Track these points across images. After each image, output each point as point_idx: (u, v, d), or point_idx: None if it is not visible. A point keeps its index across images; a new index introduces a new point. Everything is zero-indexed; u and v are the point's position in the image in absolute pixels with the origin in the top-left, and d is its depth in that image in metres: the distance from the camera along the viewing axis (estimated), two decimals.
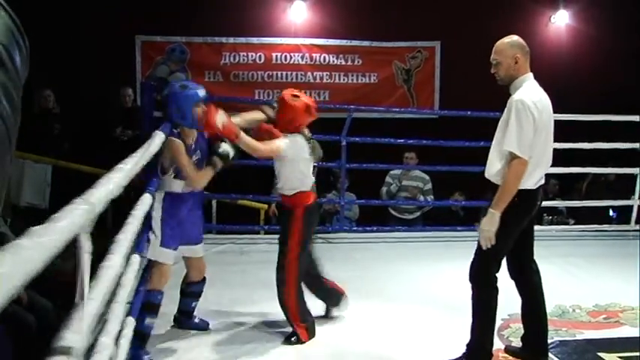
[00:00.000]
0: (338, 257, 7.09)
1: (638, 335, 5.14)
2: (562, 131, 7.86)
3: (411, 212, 8.56)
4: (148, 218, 4.34)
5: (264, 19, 10.40)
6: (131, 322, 3.79)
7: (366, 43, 10.59)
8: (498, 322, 5.25)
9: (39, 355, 1.85)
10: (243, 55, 10.43)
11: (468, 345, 4.49)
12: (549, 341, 4.91)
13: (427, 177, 8.57)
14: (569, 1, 10.98)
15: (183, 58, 10.28)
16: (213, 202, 8.35)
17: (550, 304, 5.61)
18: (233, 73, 10.34)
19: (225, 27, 10.21)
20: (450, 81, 10.60)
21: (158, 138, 4.07)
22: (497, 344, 4.95)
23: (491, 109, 7.99)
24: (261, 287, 5.60)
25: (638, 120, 7.91)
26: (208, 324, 5.00)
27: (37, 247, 1.33)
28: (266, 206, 8.56)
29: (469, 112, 7.92)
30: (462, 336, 4.50)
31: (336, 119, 8.17)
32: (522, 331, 4.95)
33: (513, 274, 4.62)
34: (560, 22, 11.05)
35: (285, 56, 10.47)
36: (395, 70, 10.72)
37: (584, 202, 8.64)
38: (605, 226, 8.45)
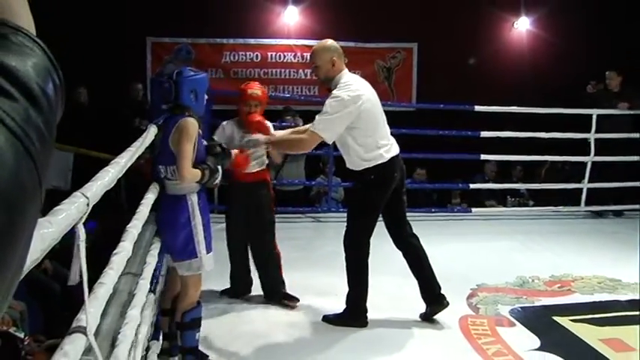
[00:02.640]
0: (328, 234, 7.16)
1: (587, 301, 5.27)
2: (523, 123, 8.00)
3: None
4: (178, 228, 3.65)
5: (260, 22, 10.41)
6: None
7: (351, 44, 10.55)
8: (467, 292, 5.35)
9: (64, 318, 1.86)
10: (242, 55, 10.44)
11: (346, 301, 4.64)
12: (511, 308, 5.01)
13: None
14: (530, 9, 11.01)
15: (189, 57, 10.26)
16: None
17: (512, 276, 5.72)
18: (233, 71, 10.33)
19: (226, 29, 10.21)
20: (425, 78, 10.62)
21: (152, 130, 3.55)
22: (466, 310, 5.03)
23: (462, 101, 8.11)
24: None
25: (589, 114, 7.99)
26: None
27: (38, 239, 1.37)
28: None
29: (442, 105, 7.98)
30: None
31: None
32: (489, 299, 5.04)
33: (396, 243, 4.76)
34: (522, 27, 11.10)
35: (280, 55, 10.48)
36: (377, 69, 10.74)
37: (542, 185, 8.70)
38: (560, 207, 8.54)
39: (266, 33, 10.46)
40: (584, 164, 8.28)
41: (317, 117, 4.32)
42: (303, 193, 8.54)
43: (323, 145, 8.00)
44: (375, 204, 4.54)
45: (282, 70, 10.52)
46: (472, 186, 8.33)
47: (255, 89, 4.85)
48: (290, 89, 10.43)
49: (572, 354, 4.32)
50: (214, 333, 4.39)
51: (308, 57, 10.25)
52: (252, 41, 10.43)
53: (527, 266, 5.93)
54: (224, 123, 4.96)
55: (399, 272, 5.15)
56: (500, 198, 9.25)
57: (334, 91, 4.32)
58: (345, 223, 4.67)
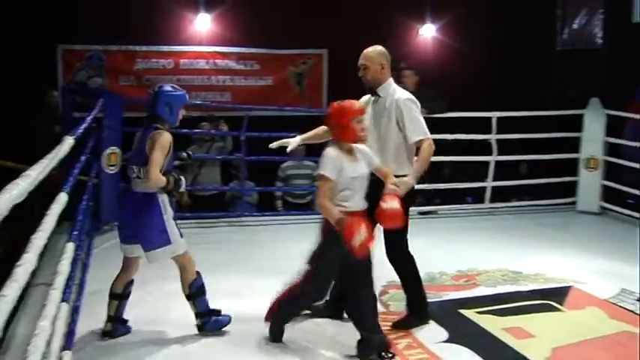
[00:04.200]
0: (241, 238, 7.17)
1: (491, 293, 5.45)
2: (429, 126, 8.17)
3: (303, 197, 8.64)
4: (151, 220, 4.14)
5: (173, 29, 10.29)
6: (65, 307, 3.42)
7: (263, 51, 10.63)
8: (378, 289, 5.41)
9: None
10: (154, 62, 10.30)
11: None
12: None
13: (315, 164, 8.64)
14: (436, 17, 11.29)
15: (101, 65, 10.08)
16: None
17: (421, 272, 5.81)
18: (145, 78, 10.18)
19: (139, 36, 10.06)
20: (335, 82, 10.73)
21: (68, 142, 3.68)
22: (380, 308, 5.10)
23: None
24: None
25: (490, 116, 8.25)
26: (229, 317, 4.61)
27: None
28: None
29: None
30: None
31: (237, 117, 8.25)
32: (399, 296, 5.13)
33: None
34: (428, 34, 11.36)
35: (192, 62, 10.40)
36: (289, 74, 10.80)
37: (448, 184, 8.91)
38: (465, 205, 8.78)
39: (178, 40, 10.36)
40: (487, 163, 8.50)
41: (411, 124, 4.41)
42: (218, 198, 8.49)
43: (236, 150, 8.07)
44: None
45: (195, 77, 10.44)
46: None
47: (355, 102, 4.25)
48: (203, 96, 10.34)
49: (478, 344, 4.47)
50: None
51: (219, 64, 10.41)
52: (164, 48, 10.31)
53: (435, 263, 6.07)
54: (332, 154, 4.04)
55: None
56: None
57: (403, 94, 4.49)
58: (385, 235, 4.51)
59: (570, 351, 4.47)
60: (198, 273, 4.42)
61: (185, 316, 4.55)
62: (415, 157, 4.55)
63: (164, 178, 4.12)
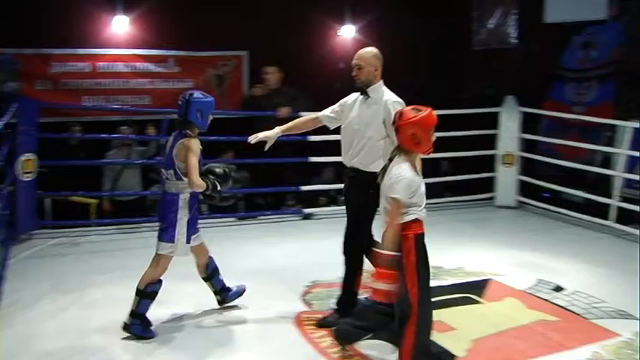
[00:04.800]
0: None
1: None
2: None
3: (227, 200, 8.55)
4: (168, 217, 4.49)
5: (89, 31, 10.02)
6: None
7: (182, 53, 10.48)
8: (302, 289, 5.46)
9: None
10: (71, 65, 10.00)
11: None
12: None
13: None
14: (355, 18, 11.37)
15: (14, 68, 9.74)
16: (48, 200, 8.06)
17: (339, 271, 5.88)
18: (62, 82, 9.89)
19: (54, 39, 9.76)
20: (256, 84, 10.69)
21: None
22: (301, 307, 5.13)
23: None
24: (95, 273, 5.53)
25: None
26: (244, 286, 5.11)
27: None
28: (97, 201, 8.30)
29: (269, 113, 8.03)
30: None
31: (157, 121, 8.12)
32: (322, 295, 5.17)
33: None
34: (347, 34, 11.42)
35: (110, 65, 10.14)
36: (209, 77, 10.69)
37: None
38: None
39: (96, 42, 10.10)
40: None
41: None
42: (139, 202, 8.34)
43: (157, 154, 7.94)
44: None
45: (114, 81, 10.18)
46: (303, 188, 8.46)
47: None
48: (122, 99, 10.14)
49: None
50: None
51: (138, 67, 10.22)
52: (81, 51, 10.03)
53: None
54: (408, 174, 3.88)
55: (234, 276, 5.19)
56: (334, 198, 9.51)
57: (392, 96, 4.61)
58: (352, 228, 4.71)
59: (490, 341, 4.58)
60: (160, 280, 4.64)
61: (115, 321, 4.50)
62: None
63: (204, 183, 4.48)
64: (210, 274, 4.98)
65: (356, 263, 4.76)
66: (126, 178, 8.18)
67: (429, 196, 6.99)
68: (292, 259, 6.30)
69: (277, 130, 4.90)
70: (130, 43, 10.23)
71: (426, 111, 3.88)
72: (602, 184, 8.45)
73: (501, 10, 11.54)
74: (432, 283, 5.50)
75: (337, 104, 4.93)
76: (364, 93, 4.68)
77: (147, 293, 4.56)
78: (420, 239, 3.88)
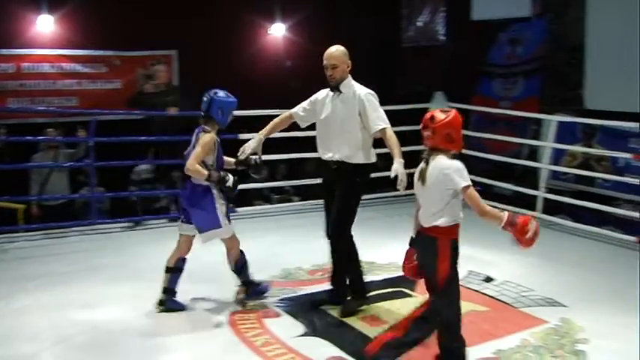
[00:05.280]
0: (93, 247, 6.93)
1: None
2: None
3: (159, 201, 8.46)
4: (205, 207, 4.84)
5: (12, 31, 9.75)
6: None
7: (110, 53, 10.31)
8: (235, 288, 5.41)
9: None
10: None
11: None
12: (277, 299, 5.17)
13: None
14: (286, 16, 11.38)
15: None
16: None
17: (277, 269, 5.89)
18: None
19: None
20: (187, 84, 10.59)
21: None
22: (235, 307, 5.10)
23: None
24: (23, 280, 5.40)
25: None
26: None
27: None
28: (24, 206, 8.06)
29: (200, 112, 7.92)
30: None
31: (86, 122, 7.94)
32: None
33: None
34: (278, 33, 11.43)
35: (35, 66, 9.91)
36: (138, 77, 10.52)
37: (305, 180, 8.94)
38: (318, 200, 8.70)
39: (19, 43, 9.83)
40: None
41: (374, 114, 4.80)
42: (67, 206, 8.15)
43: (86, 156, 7.77)
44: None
45: (40, 82, 9.96)
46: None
47: None
48: (48, 101, 9.89)
49: (334, 334, 4.57)
50: None
51: (65, 67, 9.98)
52: (4, 51, 9.76)
53: (291, 258, 6.15)
54: (460, 164, 3.94)
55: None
56: (267, 197, 9.51)
57: (363, 89, 4.87)
58: (336, 215, 4.90)
59: None
60: (242, 252, 5.12)
61: (44, 328, 4.46)
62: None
63: (201, 170, 4.74)
64: (179, 268, 5.12)
65: (345, 249, 4.98)
66: (54, 182, 7.97)
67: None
68: (225, 259, 6.24)
69: (260, 137, 5.09)
70: (56, 43, 10.02)
71: (452, 111, 3.93)
72: (530, 177, 8.66)
73: (430, 8, 11.73)
74: (365, 279, 5.63)
75: (307, 102, 5.15)
76: (336, 89, 4.88)
77: (239, 269, 5.10)
78: (455, 244, 3.98)
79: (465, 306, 5.12)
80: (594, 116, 8.06)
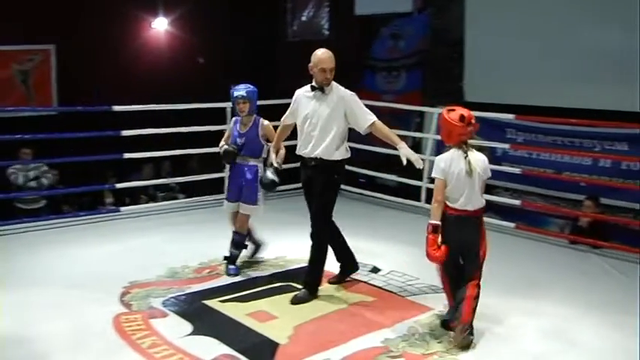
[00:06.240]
0: None
1: (233, 281, 5.54)
2: (165, 119, 8.07)
3: (37, 202, 8.11)
4: (253, 184, 5.60)
5: None
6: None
7: None
8: (120, 290, 5.25)
9: None
10: None
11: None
12: (163, 299, 5.05)
13: (46, 167, 8.14)
14: (168, 10, 11.17)
15: None
16: None
17: (163, 268, 5.76)
18: None
19: None
20: (67, 80, 10.22)
21: None
22: (120, 309, 4.93)
23: (106, 102, 7.84)
24: None
25: (225, 107, 8.25)
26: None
27: None
28: None
29: (79, 108, 7.70)
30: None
31: None
32: (141, 295, 5.05)
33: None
34: (160, 27, 11.21)
35: None
36: (13, 72, 10.05)
37: (188, 177, 8.78)
38: (206, 197, 8.60)
39: None
40: None
41: (361, 112, 5.04)
42: None
43: None
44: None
45: None
46: (118, 186, 8.18)
47: None
48: None
49: (222, 332, 4.51)
50: None
51: None
52: None
53: (177, 257, 6.03)
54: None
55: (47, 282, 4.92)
56: (152, 195, 9.30)
57: (347, 91, 5.09)
58: (317, 210, 5.19)
59: (311, 326, 4.68)
60: (248, 231, 5.88)
61: None
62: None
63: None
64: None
65: (326, 240, 5.30)
66: None
67: None
68: (110, 260, 6.07)
69: (281, 154, 5.53)
70: None
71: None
72: (413, 168, 8.85)
73: (314, 2, 11.81)
74: (253, 274, 5.60)
75: (290, 107, 5.35)
76: (319, 89, 5.07)
77: (235, 240, 5.73)
78: None
79: (353, 297, 5.25)
80: (474, 108, 8.26)
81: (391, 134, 5.02)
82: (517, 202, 7.83)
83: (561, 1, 8.35)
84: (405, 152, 4.85)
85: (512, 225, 7.38)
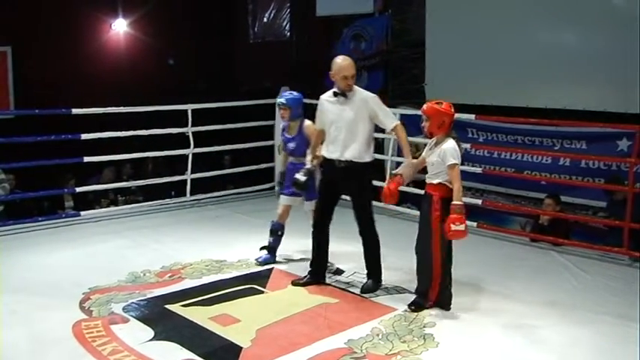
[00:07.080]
0: None
1: (196, 285, 5.48)
2: (125, 121, 7.98)
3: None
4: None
5: None
6: None
7: None
8: (80, 296, 5.18)
9: None
10: None
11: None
12: (124, 305, 4.99)
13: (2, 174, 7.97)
14: (127, 12, 11.07)
15: None
16: None
17: (124, 273, 5.70)
18: None
19: None
20: (24, 82, 10.06)
21: None
22: (80, 315, 4.86)
23: (65, 104, 7.73)
24: None
25: (186, 109, 8.20)
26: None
27: None
28: None
29: (37, 111, 7.56)
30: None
31: None
32: (102, 300, 4.99)
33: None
34: (120, 28, 11.10)
35: None
36: None
37: (149, 180, 8.72)
38: (167, 200, 8.59)
39: None
40: (185, 156, 8.45)
41: (384, 113, 5.31)
42: None
43: None
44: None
45: None
46: (78, 189, 8.07)
47: None
48: None
49: (184, 337, 4.46)
50: None
51: None
52: None
53: (138, 262, 5.97)
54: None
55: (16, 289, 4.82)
56: (113, 199, 9.20)
57: (368, 94, 5.32)
58: (362, 212, 5.49)
59: (274, 329, 4.65)
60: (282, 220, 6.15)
61: None
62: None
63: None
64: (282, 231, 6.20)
65: (377, 237, 5.54)
66: None
67: (210, 189, 7.19)
68: (70, 266, 5.97)
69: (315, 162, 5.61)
70: None
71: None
72: (376, 168, 8.87)
73: (275, 4, 11.79)
74: (215, 278, 5.56)
75: (318, 114, 5.50)
76: (341, 95, 5.26)
77: (273, 229, 6.09)
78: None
79: (316, 300, 5.24)
80: None
81: (405, 144, 5.31)
82: (478, 202, 7.89)
83: (519, 3, 8.45)
84: (406, 164, 5.21)
85: (474, 224, 7.44)
